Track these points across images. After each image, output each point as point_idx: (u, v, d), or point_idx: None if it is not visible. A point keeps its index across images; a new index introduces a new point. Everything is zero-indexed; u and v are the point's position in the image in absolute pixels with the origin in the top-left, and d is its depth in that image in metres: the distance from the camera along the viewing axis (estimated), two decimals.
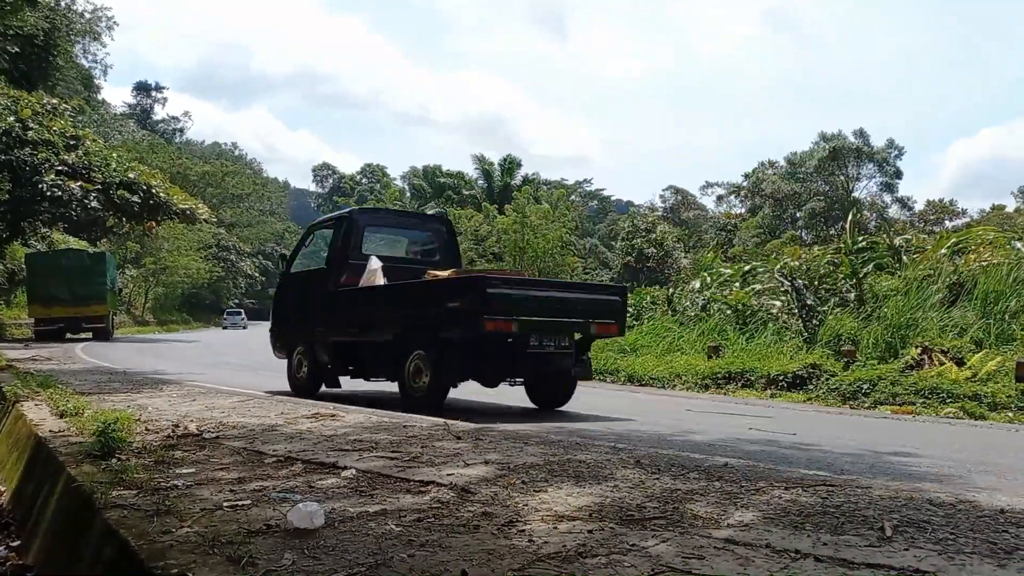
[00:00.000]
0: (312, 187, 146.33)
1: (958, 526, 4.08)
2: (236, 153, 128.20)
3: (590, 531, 3.96)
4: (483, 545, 3.71)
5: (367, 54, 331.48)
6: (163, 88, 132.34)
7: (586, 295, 11.55)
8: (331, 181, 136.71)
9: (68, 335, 30.69)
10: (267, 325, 14.35)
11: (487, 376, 10.61)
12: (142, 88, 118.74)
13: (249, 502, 4.50)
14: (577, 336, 10.39)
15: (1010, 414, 11.47)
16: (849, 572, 3.33)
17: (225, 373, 15.62)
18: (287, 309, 13.18)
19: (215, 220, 41.02)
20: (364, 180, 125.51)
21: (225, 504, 4.42)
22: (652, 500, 4.65)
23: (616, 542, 3.77)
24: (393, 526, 4.03)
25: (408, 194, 78.71)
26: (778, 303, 19.58)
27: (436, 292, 10.40)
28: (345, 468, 5.51)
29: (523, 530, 3.98)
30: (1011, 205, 71.58)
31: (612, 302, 11.02)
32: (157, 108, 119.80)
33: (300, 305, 12.71)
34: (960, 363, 13.44)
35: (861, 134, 74.73)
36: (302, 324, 12.53)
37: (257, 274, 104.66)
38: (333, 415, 8.49)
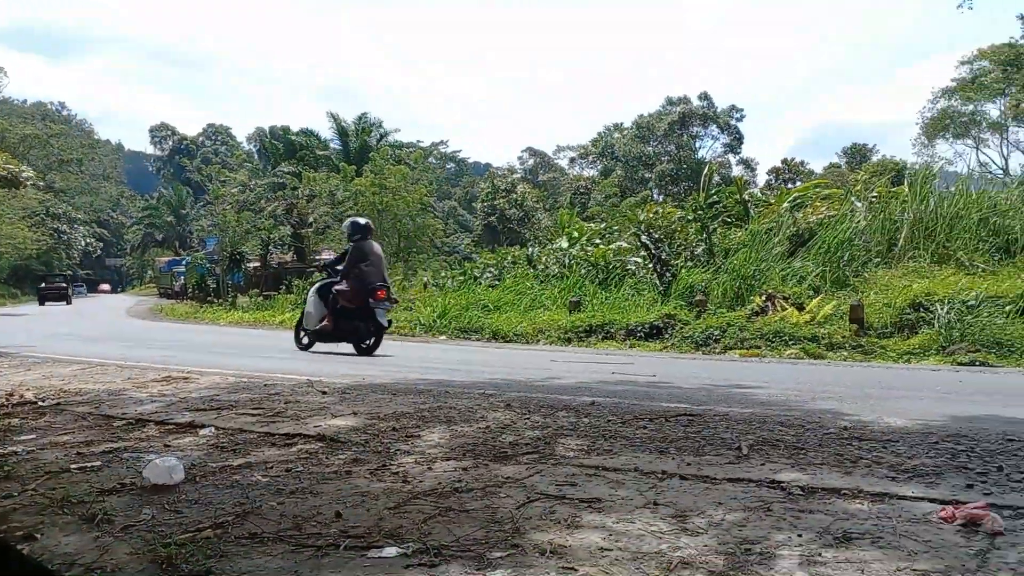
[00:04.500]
0: (150, 149, 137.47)
1: (807, 442, 4.39)
2: (64, 114, 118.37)
3: (465, 469, 3.97)
4: (356, 489, 3.64)
5: (205, 8, 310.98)
6: None
7: None
8: (171, 143, 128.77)
9: None
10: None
11: None
12: None
13: (100, 463, 4.21)
14: None
15: (845, 353, 12.40)
16: (712, 487, 3.51)
17: (63, 344, 14.51)
18: None
19: (41, 184, 37.67)
20: (207, 142, 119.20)
21: (73, 467, 4.12)
22: (524, 438, 4.71)
23: (491, 476, 3.79)
24: (259, 477, 3.89)
25: (256, 156, 75.43)
26: (636, 259, 20.27)
27: None
28: (203, 427, 5.26)
29: (397, 472, 3.94)
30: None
31: None
32: None
33: None
34: (800, 308, 14.41)
35: (705, 97, 78.64)
36: None
37: (93, 241, 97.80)
38: (186, 377, 8.08)
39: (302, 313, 13.08)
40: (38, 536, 2.99)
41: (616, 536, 2.85)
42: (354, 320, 11.97)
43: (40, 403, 6.32)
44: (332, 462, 4.19)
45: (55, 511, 3.30)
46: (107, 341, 16.46)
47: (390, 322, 12.87)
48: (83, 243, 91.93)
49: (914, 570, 2.47)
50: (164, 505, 3.40)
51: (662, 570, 2.49)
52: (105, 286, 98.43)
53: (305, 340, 12.84)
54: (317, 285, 12.88)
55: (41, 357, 10.98)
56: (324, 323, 12.28)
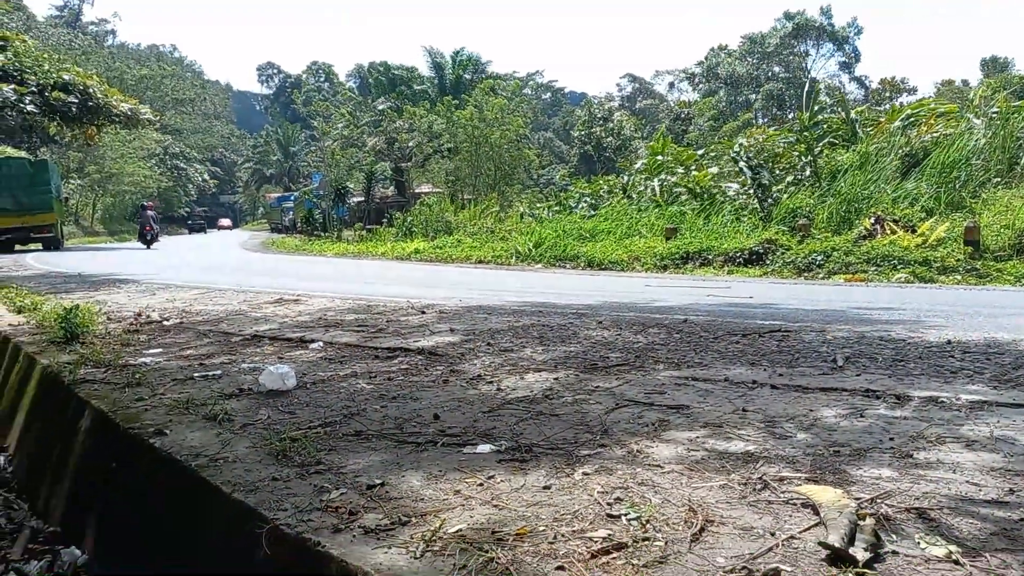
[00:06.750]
0: (257, 88, 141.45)
1: (907, 355, 4.29)
2: (176, 56, 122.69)
3: (556, 379, 4.09)
4: (453, 395, 3.81)
5: None
6: None
7: None
8: (276, 81, 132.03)
9: (17, 246, 29.93)
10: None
11: None
12: None
13: (220, 372, 4.54)
14: None
15: (958, 277, 11.86)
16: (803, 395, 3.50)
17: (182, 273, 15.42)
18: None
19: (158, 122, 39.36)
20: (311, 79, 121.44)
21: (196, 375, 4.46)
22: (615, 352, 4.79)
23: (581, 386, 3.90)
24: (364, 385, 4.12)
25: (356, 92, 76.34)
26: (735, 184, 19.73)
27: None
28: (313, 342, 5.56)
29: (491, 382, 4.09)
30: (973, 78, 71.33)
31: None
32: (86, 9, 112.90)
33: None
34: (912, 231, 13.78)
35: (825, 11, 73.91)
36: None
37: (208, 178, 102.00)
38: (297, 299, 8.50)
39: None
40: (167, 432, 3.29)
41: (702, 438, 2.91)
42: (144, 237, 31.67)
43: (165, 322, 6.81)
44: (431, 372, 4.39)
45: (181, 412, 3.61)
46: (223, 271, 17.36)
47: (154, 238, 32.15)
48: (200, 180, 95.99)
49: (1008, 470, 2.44)
50: (278, 407, 3.66)
51: (748, 469, 2.55)
52: (226, 221, 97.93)
53: (141, 245, 31.59)
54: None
55: (164, 284, 11.72)
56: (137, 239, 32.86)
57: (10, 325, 6.78)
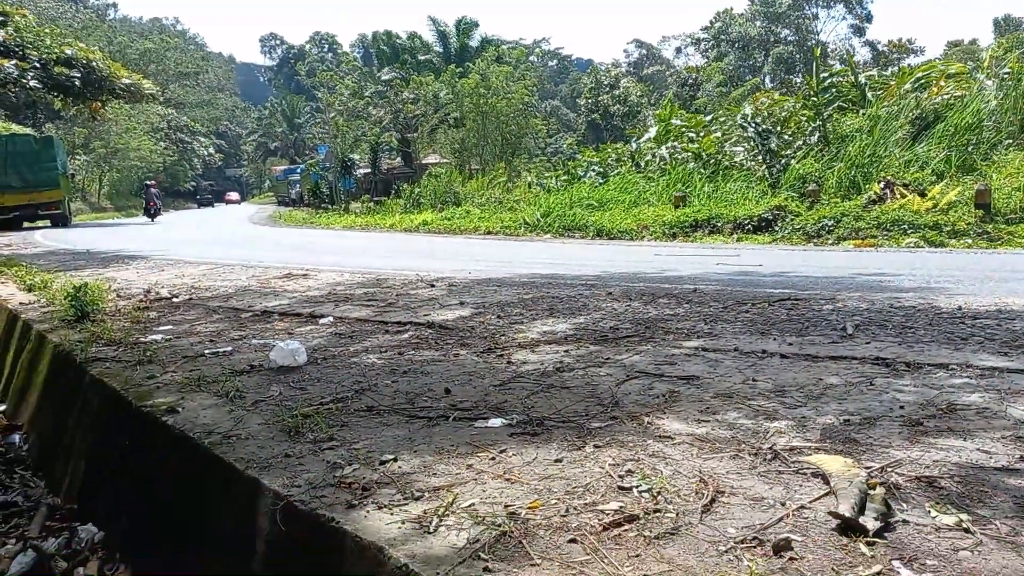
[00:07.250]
0: (260, 60, 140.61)
1: (917, 322, 4.28)
2: (178, 28, 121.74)
3: (567, 351, 4.10)
4: (464, 369, 3.83)
5: None
6: None
7: None
8: (279, 52, 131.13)
9: (25, 224, 29.97)
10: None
11: None
12: None
13: (230, 349, 4.57)
14: None
15: (969, 240, 11.78)
16: (813, 364, 3.50)
17: (191, 248, 15.45)
18: None
19: (160, 96, 39.19)
20: (315, 49, 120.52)
21: (207, 352, 4.48)
22: (625, 323, 4.79)
23: (592, 358, 3.91)
24: (375, 360, 4.13)
25: (361, 62, 75.74)
26: (741, 150, 19.56)
27: None
28: (323, 317, 5.58)
29: (502, 355, 4.10)
30: (985, 38, 69.76)
31: None
32: None
33: None
34: (922, 195, 13.67)
35: None
36: None
37: (214, 152, 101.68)
38: (306, 274, 8.51)
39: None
40: (179, 410, 3.32)
41: (713, 409, 2.92)
42: (149, 212, 38.10)
43: (174, 299, 6.84)
44: (441, 346, 4.40)
45: (193, 389, 3.63)
46: (231, 245, 17.39)
47: (158, 212, 38.43)
48: (205, 153, 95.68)
49: (1019, 437, 2.44)
50: (290, 383, 3.68)
51: (758, 439, 2.55)
52: (233, 195, 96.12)
53: (146, 219, 36.60)
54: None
55: (172, 259, 11.75)
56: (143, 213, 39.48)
57: (21, 303, 6.82)
